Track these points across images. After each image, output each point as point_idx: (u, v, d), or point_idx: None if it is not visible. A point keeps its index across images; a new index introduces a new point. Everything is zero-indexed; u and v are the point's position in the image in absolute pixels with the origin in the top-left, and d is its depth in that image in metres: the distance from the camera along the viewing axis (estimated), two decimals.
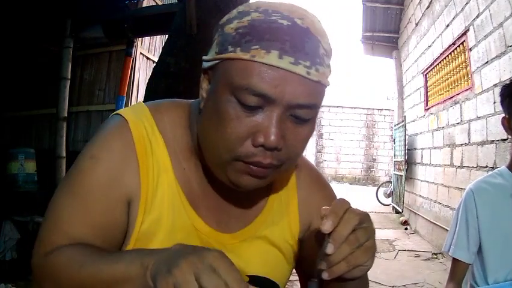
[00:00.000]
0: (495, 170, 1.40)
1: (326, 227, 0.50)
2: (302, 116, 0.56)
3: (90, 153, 0.63)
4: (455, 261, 1.38)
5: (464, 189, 1.40)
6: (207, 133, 0.59)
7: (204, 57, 0.62)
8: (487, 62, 3.64)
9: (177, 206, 0.65)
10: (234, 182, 0.60)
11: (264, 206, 0.72)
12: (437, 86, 5.29)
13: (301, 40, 0.53)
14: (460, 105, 4.35)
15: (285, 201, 0.74)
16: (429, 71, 5.62)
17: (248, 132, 0.55)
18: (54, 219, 0.61)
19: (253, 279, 0.69)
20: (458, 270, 1.37)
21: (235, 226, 0.70)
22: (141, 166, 0.63)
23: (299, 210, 0.75)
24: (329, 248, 0.50)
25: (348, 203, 0.53)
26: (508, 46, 3.23)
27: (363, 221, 0.53)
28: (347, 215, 0.52)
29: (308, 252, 0.76)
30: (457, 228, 1.38)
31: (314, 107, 0.57)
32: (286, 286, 0.78)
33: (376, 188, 10.10)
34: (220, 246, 0.66)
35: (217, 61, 0.57)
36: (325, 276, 0.52)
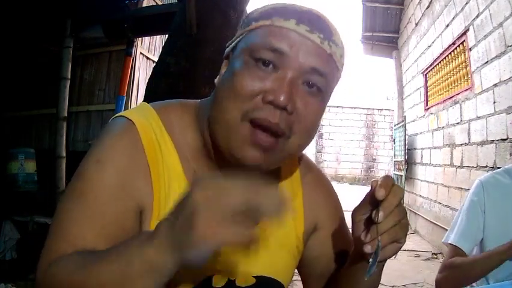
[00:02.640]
0: (502, 169, 1.38)
1: (381, 193, 0.53)
2: (314, 82, 0.59)
3: (96, 157, 0.60)
4: (454, 249, 1.33)
5: (464, 189, 1.39)
6: (220, 99, 0.59)
7: (227, 44, 0.65)
8: (486, 62, 3.64)
9: None
10: (238, 155, 0.58)
11: None
12: (437, 86, 5.29)
13: (317, 18, 0.60)
14: (460, 105, 4.35)
15: (291, 201, 0.74)
16: (429, 71, 5.62)
17: (260, 88, 0.57)
18: (60, 228, 0.58)
19: (259, 279, 0.69)
20: (456, 255, 1.32)
21: None
22: (152, 172, 0.61)
23: (304, 210, 0.76)
24: (380, 216, 0.53)
25: (393, 179, 0.57)
26: (508, 46, 3.23)
27: (403, 198, 0.58)
28: (395, 188, 0.55)
29: (314, 253, 0.78)
30: (462, 220, 1.35)
31: (326, 75, 0.59)
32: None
33: None
34: (227, 249, 0.67)
35: (239, 38, 0.62)
36: (367, 248, 0.55)
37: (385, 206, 0.54)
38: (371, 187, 0.56)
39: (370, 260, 0.56)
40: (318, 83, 0.59)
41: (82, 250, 0.55)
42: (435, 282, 1.33)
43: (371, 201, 0.56)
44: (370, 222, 0.56)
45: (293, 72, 0.57)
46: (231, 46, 0.64)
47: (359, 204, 0.60)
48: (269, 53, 0.56)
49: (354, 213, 0.60)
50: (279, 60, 0.57)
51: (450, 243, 1.35)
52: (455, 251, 1.32)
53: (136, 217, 0.60)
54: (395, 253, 0.58)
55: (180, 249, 0.43)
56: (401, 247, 0.58)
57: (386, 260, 0.59)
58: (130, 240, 0.52)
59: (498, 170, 1.40)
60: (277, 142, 0.58)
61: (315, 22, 0.59)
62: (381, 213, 0.54)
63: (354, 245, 0.65)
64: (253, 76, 0.57)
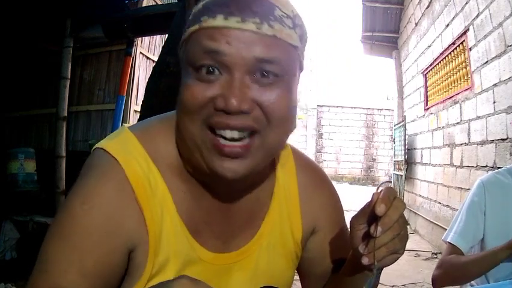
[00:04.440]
0: (504, 169, 1.37)
1: (381, 209, 0.52)
2: (266, 70, 0.54)
3: (80, 199, 0.57)
4: (451, 247, 1.33)
5: (464, 189, 1.39)
6: (178, 116, 0.57)
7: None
8: (486, 62, 3.64)
9: (182, 242, 0.62)
10: (211, 168, 0.56)
11: (266, 216, 0.71)
12: (437, 85, 5.29)
13: (248, 2, 0.54)
14: (460, 105, 4.35)
15: (286, 207, 0.73)
16: (429, 71, 5.62)
17: (209, 96, 0.53)
18: (44, 268, 0.56)
19: None
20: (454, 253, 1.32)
21: (241, 242, 0.68)
22: (145, 210, 0.59)
23: (301, 214, 0.73)
24: (378, 231, 0.53)
25: (396, 191, 0.56)
26: (508, 46, 3.23)
27: (404, 210, 0.56)
28: (396, 202, 0.54)
29: (313, 255, 0.77)
30: (462, 219, 1.34)
31: (275, 62, 0.54)
32: None
33: (376, 187, 10.10)
34: (226, 267, 0.66)
35: (182, 51, 0.58)
36: (365, 261, 0.55)
37: (384, 221, 0.53)
38: (372, 200, 0.55)
39: (368, 279, 0.56)
40: (272, 70, 0.54)
41: None
42: (432, 278, 1.34)
43: (371, 213, 0.55)
44: (369, 234, 0.56)
45: (238, 70, 0.52)
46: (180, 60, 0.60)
47: (358, 213, 0.59)
48: (206, 57, 0.52)
49: (353, 221, 0.59)
50: (220, 62, 0.52)
51: (448, 242, 1.34)
52: (453, 249, 1.32)
53: (124, 257, 0.58)
54: (393, 262, 0.57)
55: None
56: (398, 258, 0.57)
57: (383, 268, 0.59)
58: None
59: (500, 169, 1.39)
60: (251, 142, 0.55)
61: (245, 7, 0.52)
62: (379, 229, 0.53)
63: (351, 251, 0.64)
64: (200, 86, 0.53)
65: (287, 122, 0.58)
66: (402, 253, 0.57)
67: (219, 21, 0.52)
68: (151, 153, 0.61)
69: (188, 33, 0.56)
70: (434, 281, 1.33)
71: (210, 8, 0.54)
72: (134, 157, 0.60)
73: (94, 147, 0.63)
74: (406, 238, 0.57)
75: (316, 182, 0.77)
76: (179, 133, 0.59)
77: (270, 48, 0.53)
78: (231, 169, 0.55)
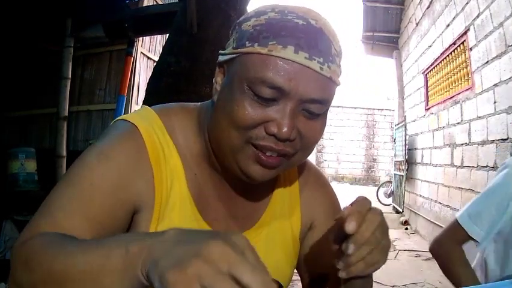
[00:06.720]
0: None
1: (351, 227, 0.49)
2: (314, 110, 0.58)
3: (98, 150, 0.60)
4: (457, 226, 1.16)
5: (465, 189, 1.35)
6: (221, 121, 0.59)
7: (221, 52, 0.63)
8: (487, 62, 3.64)
9: (188, 215, 0.64)
10: (244, 171, 0.60)
11: (267, 207, 0.73)
12: (438, 85, 5.29)
13: (315, 38, 0.55)
14: (461, 105, 4.35)
15: (288, 201, 0.75)
16: (430, 71, 5.61)
17: (262, 120, 0.56)
18: (48, 208, 0.56)
19: None
20: (458, 236, 1.16)
21: (241, 229, 0.70)
22: (155, 174, 0.61)
23: (301, 210, 0.76)
24: (350, 249, 0.51)
25: (370, 202, 0.54)
26: (508, 46, 3.23)
27: (382, 220, 0.53)
28: (370, 215, 0.52)
29: (310, 251, 0.77)
30: (479, 200, 1.16)
31: (325, 102, 0.58)
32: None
33: (376, 188, 10.10)
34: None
35: (234, 55, 0.59)
36: (342, 275, 0.53)
37: (357, 238, 0.50)
38: (342, 215, 0.51)
39: None
40: (317, 111, 0.58)
41: (65, 233, 0.52)
42: (430, 249, 1.24)
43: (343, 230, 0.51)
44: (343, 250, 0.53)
45: (292, 103, 0.56)
46: (225, 58, 0.61)
47: (329, 231, 0.59)
48: (268, 90, 0.55)
49: (327, 234, 0.60)
50: (278, 95, 0.55)
51: (456, 219, 1.17)
52: (458, 230, 1.15)
53: (128, 215, 0.60)
54: (373, 272, 0.55)
55: (154, 271, 0.38)
56: (380, 266, 0.55)
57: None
58: (119, 235, 0.49)
59: None
60: (281, 160, 0.60)
61: (313, 44, 0.55)
62: (351, 246, 0.50)
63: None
64: (255, 109, 0.56)
65: (313, 148, 0.63)
66: (384, 262, 0.54)
67: (289, 53, 0.54)
68: (168, 130, 0.65)
69: (254, 51, 0.55)
70: (432, 252, 1.24)
71: (279, 34, 0.55)
72: (152, 128, 0.63)
73: (115, 119, 0.66)
74: (387, 248, 0.54)
75: (315, 179, 0.80)
76: (215, 135, 0.62)
77: (325, 90, 0.57)
78: (260, 174, 0.60)
